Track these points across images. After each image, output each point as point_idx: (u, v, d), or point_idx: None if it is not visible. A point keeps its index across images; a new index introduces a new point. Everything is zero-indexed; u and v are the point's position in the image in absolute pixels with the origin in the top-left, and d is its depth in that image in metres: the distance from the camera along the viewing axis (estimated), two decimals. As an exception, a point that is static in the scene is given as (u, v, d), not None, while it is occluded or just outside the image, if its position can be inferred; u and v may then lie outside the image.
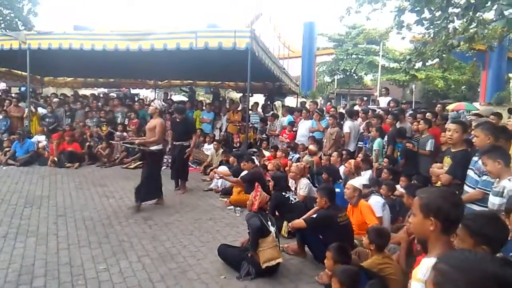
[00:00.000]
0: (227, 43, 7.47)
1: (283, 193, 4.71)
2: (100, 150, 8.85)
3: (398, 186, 4.91)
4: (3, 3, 22.59)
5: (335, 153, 6.33)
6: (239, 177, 5.95)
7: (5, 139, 9.12)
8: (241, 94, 14.20)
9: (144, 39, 8.21)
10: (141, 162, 8.69)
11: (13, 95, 11.68)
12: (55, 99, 11.12)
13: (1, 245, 4.01)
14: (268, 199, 3.78)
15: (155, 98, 11.76)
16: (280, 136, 8.69)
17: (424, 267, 1.41)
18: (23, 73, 13.13)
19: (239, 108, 10.82)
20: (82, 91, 16.53)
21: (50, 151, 8.61)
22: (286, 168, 6.28)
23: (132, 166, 8.49)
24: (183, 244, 4.23)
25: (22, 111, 10.15)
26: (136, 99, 13.55)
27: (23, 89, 15.02)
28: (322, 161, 6.57)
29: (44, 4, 23.28)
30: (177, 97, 19.24)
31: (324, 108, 10.12)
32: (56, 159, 8.43)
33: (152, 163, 5.73)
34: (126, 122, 9.85)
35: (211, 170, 7.47)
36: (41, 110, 10.42)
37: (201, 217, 5.23)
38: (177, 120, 6.75)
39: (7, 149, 8.69)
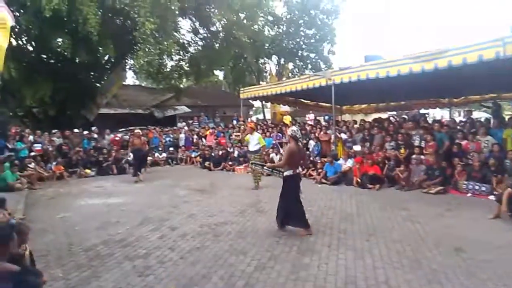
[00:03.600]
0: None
1: None
2: (398, 173, 9.08)
3: None
4: (309, 48, 27.79)
5: None
6: None
7: (319, 161, 11.01)
8: None
9: (440, 57, 8.06)
10: (442, 187, 8.27)
11: (322, 123, 13.94)
12: (355, 125, 12.41)
13: (328, 253, 4.77)
14: None
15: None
16: None
17: None
18: (327, 104, 15.50)
19: None
20: (373, 116, 17.63)
21: (354, 173, 9.61)
22: None
23: (433, 191, 8.18)
24: (511, 288, 3.64)
25: (329, 136, 11.92)
26: (431, 120, 13.04)
27: (326, 118, 17.68)
28: None
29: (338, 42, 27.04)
30: (477, 114, 17.12)
31: None
32: (359, 180, 9.33)
33: (285, 188, 5.66)
34: (423, 145, 9.65)
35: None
36: (343, 136, 11.89)
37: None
38: None
39: (320, 170, 10.44)
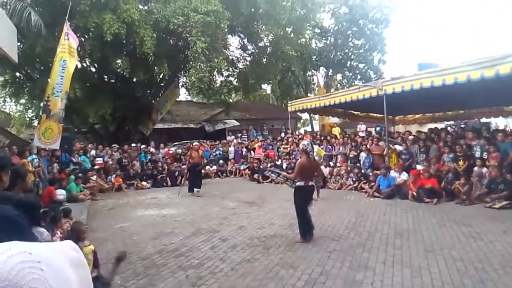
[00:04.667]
0: None
1: None
2: (458, 186, 8.53)
3: None
4: (359, 59, 27.26)
5: None
6: None
7: (370, 174, 10.66)
8: None
9: (501, 63, 7.64)
10: (507, 202, 7.65)
11: (374, 134, 13.53)
12: (410, 137, 11.91)
13: (382, 270, 4.56)
14: None
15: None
16: None
17: None
18: (378, 115, 15.07)
19: None
20: (428, 126, 16.75)
21: (409, 186, 9.17)
22: None
23: (497, 206, 7.56)
24: None
25: (382, 149, 11.52)
26: (492, 129, 12.17)
27: (378, 129, 17.13)
28: None
29: (389, 51, 26.42)
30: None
31: None
32: (415, 194, 8.88)
33: (295, 198, 6.14)
34: (485, 156, 8.99)
35: None
36: (398, 147, 11.43)
37: None
38: None
39: (372, 183, 10.09)
